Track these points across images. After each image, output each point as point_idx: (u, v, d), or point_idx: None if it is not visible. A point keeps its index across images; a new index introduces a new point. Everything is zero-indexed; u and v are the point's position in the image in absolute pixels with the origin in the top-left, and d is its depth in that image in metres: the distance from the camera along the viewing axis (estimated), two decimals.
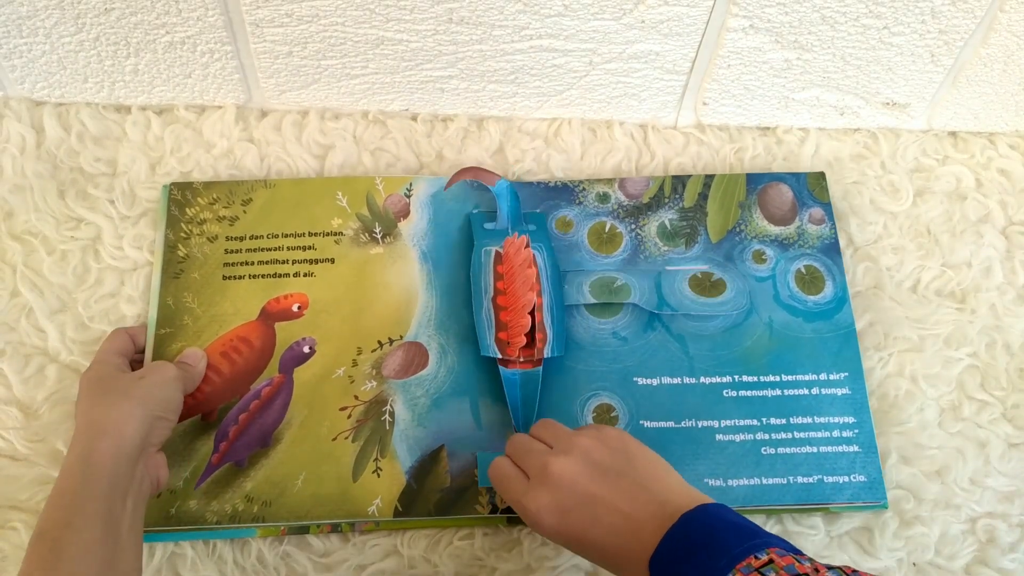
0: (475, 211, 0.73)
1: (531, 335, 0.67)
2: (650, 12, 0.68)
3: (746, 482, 0.66)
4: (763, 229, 0.74)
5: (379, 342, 0.68)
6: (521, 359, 0.67)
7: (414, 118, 0.78)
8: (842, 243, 0.74)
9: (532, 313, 0.67)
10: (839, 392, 0.68)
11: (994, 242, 0.75)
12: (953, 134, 0.80)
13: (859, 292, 0.73)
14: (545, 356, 0.67)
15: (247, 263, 0.71)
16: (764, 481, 0.66)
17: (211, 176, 0.75)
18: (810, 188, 0.75)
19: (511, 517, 0.65)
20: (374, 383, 0.67)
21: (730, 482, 0.66)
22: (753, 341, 0.70)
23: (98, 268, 0.71)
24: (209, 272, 0.70)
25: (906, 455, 0.68)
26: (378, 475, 0.64)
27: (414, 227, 0.72)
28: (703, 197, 0.75)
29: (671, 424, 0.67)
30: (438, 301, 0.70)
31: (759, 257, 0.73)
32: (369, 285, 0.70)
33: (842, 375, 0.69)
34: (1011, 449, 0.69)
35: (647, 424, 0.67)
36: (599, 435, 0.57)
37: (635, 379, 0.68)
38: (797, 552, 0.48)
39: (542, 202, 0.74)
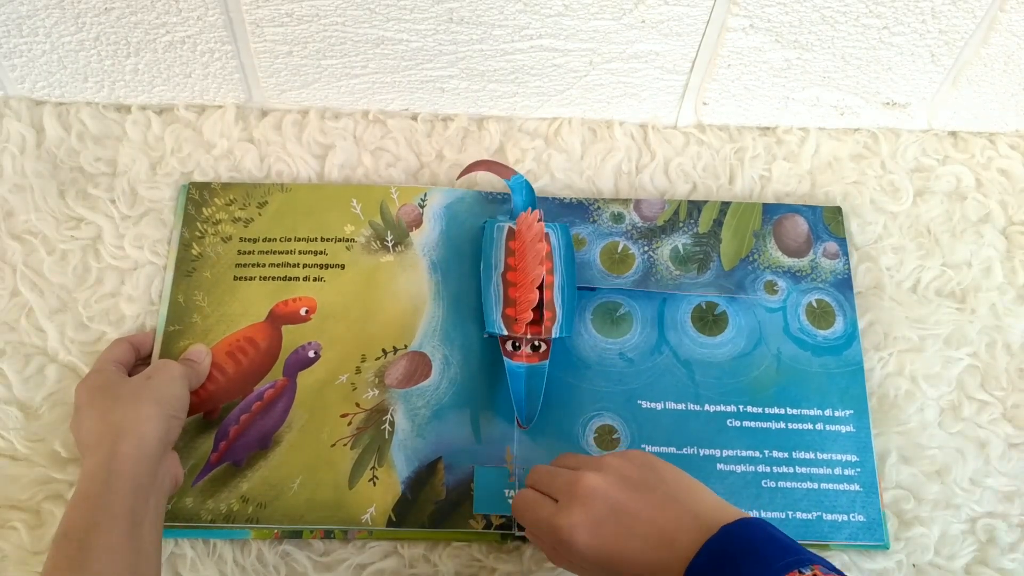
0: (489, 220, 0.73)
1: (539, 312, 0.66)
2: (650, 12, 0.68)
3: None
4: (776, 260, 0.73)
5: (383, 350, 0.68)
6: (528, 336, 0.67)
7: (414, 118, 0.78)
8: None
9: (541, 289, 0.66)
10: (843, 429, 0.68)
11: (994, 242, 0.75)
12: (953, 134, 0.80)
13: (859, 292, 0.73)
14: (553, 336, 0.66)
15: (258, 265, 0.71)
16: (763, 514, 0.65)
17: (212, 176, 0.75)
18: (826, 222, 0.74)
19: (504, 533, 0.64)
20: (376, 391, 0.67)
21: None
22: (760, 372, 0.69)
23: (98, 268, 0.71)
24: (221, 272, 0.71)
25: (906, 455, 0.68)
26: (374, 484, 0.64)
27: (426, 237, 0.72)
28: (718, 224, 0.74)
29: (672, 450, 0.67)
30: (445, 312, 0.70)
31: (771, 288, 0.72)
32: (377, 293, 0.70)
33: (847, 412, 0.68)
34: (1011, 449, 0.69)
35: (648, 448, 0.66)
36: (624, 455, 0.56)
37: (639, 402, 0.68)
38: (841, 573, 0.47)
39: (556, 218, 0.73)
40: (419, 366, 0.68)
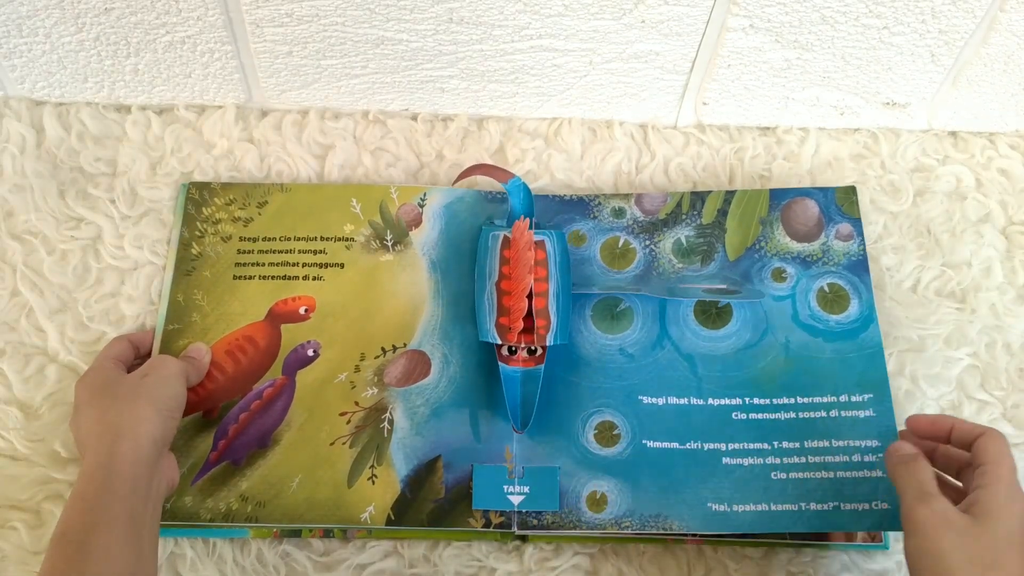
0: (487, 222, 0.73)
1: (531, 320, 0.66)
2: (650, 12, 0.68)
3: (753, 508, 0.63)
4: (785, 246, 0.71)
5: (383, 349, 0.68)
6: (522, 344, 0.66)
7: (414, 118, 0.78)
8: None
9: (530, 298, 0.66)
10: (862, 414, 0.65)
11: (994, 242, 0.75)
12: (953, 134, 0.80)
13: None
14: (548, 344, 0.66)
15: (258, 264, 0.71)
16: (773, 507, 0.63)
17: (212, 176, 0.75)
18: (839, 203, 0.72)
19: (504, 532, 0.64)
20: (375, 390, 0.67)
21: (735, 507, 0.63)
22: (767, 362, 0.67)
23: (98, 268, 0.71)
24: (220, 271, 0.71)
25: None
26: (373, 482, 0.64)
27: (425, 236, 0.72)
28: (722, 213, 0.73)
29: (675, 445, 0.65)
30: (444, 311, 0.69)
31: (779, 275, 0.70)
32: (377, 292, 0.70)
33: (866, 396, 0.66)
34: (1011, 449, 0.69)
35: (650, 444, 0.65)
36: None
37: (640, 397, 0.67)
38: None
39: (556, 215, 0.73)
40: (418, 365, 0.68)
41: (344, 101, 0.77)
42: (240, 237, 0.72)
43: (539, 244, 0.69)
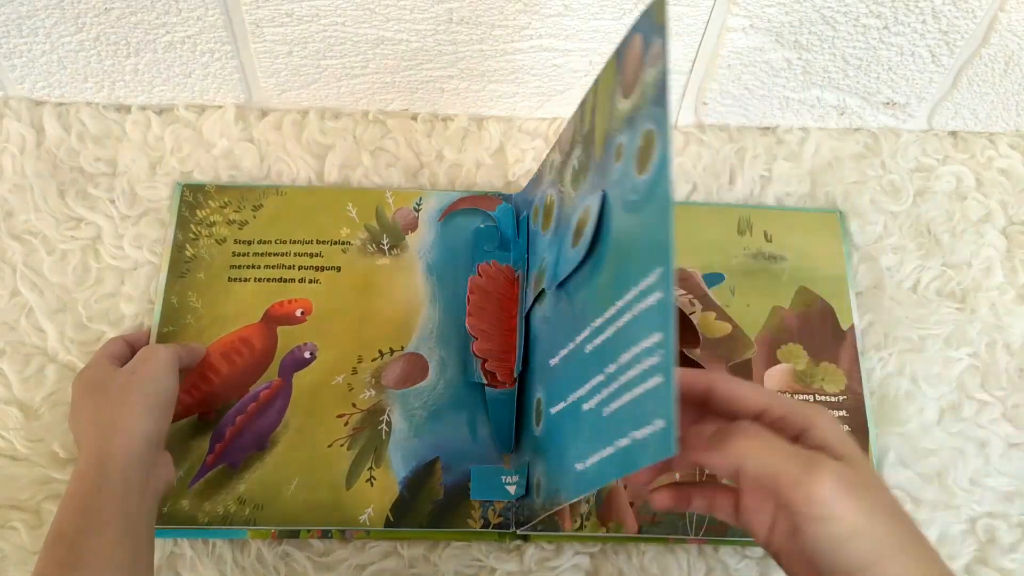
0: (482, 226, 0.73)
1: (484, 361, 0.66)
2: None
3: (593, 459, 0.49)
4: (620, 113, 0.51)
5: (380, 351, 0.68)
6: (507, 384, 0.66)
7: (414, 118, 0.78)
8: (844, 245, 0.74)
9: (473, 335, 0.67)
10: (651, 302, 0.44)
11: (994, 242, 0.75)
12: (953, 134, 0.80)
13: (859, 292, 0.73)
14: (515, 374, 0.66)
15: (253, 267, 0.71)
16: (602, 454, 0.48)
17: (212, 175, 0.75)
18: (656, 20, 0.47)
19: (503, 532, 0.64)
20: (373, 392, 0.67)
21: (588, 462, 0.50)
22: (603, 275, 0.51)
23: (98, 268, 0.71)
24: (215, 273, 0.70)
25: (905, 456, 0.68)
26: (371, 484, 0.64)
27: (421, 240, 0.72)
28: (592, 111, 0.56)
29: (563, 405, 0.55)
30: (441, 314, 0.70)
31: (619, 155, 0.51)
32: (373, 295, 0.70)
33: (653, 276, 0.44)
34: (1011, 449, 0.69)
35: (552, 411, 0.58)
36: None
37: (549, 361, 0.59)
38: None
39: (532, 200, 0.71)
40: (415, 367, 0.68)
41: (344, 101, 0.77)
42: (235, 240, 0.72)
43: (517, 279, 0.69)
